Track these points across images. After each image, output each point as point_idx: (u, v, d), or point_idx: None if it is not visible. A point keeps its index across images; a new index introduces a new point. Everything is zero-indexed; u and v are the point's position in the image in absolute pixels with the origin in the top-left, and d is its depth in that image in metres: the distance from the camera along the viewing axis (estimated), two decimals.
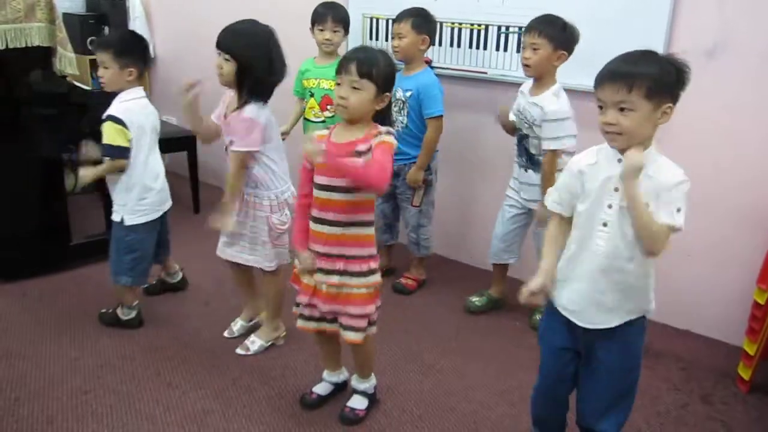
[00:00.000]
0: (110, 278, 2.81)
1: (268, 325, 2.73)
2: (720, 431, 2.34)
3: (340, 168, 1.94)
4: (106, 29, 4.31)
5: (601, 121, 1.66)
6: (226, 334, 2.81)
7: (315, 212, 2.10)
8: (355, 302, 2.09)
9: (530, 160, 2.79)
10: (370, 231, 2.10)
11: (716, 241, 2.82)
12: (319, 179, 2.07)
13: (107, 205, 3.48)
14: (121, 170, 2.64)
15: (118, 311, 2.87)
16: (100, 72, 2.65)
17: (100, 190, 3.60)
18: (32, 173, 3.13)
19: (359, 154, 1.98)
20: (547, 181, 2.61)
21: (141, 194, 2.70)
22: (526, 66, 2.68)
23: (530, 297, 1.79)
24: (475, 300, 3.12)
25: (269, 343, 2.72)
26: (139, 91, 2.71)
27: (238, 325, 2.83)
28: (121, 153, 2.60)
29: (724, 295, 2.85)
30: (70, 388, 2.44)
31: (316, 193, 2.09)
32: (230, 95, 2.52)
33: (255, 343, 2.70)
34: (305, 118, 3.40)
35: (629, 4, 2.76)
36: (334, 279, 2.09)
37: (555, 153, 2.65)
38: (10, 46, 2.92)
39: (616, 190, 1.70)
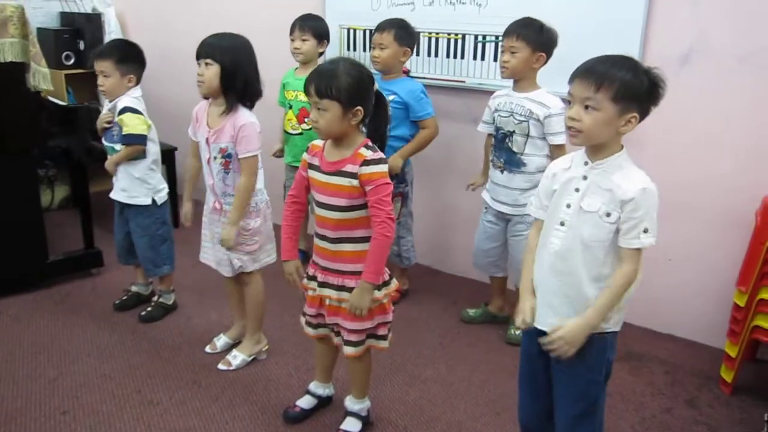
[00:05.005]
0: (149, 273, 3.04)
1: (249, 338, 2.70)
2: None
3: (378, 271, 2.01)
4: (81, 44, 4.26)
5: (566, 115, 1.67)
6: (208, 349, 2.78)
7: (315, 227, 2.10)
8: (351, 317, 2.06)
9: (510, 161, 2.75)
10: (362, 247, 2.03)
11: (696, 245, 2.84)
12: (317, 196, 2.06)
13: (85, 219, 3.46)
14: (137, 157, 2.82)
15: (162, 300, 3.06)
16: (100, 81, 2.77)
17: (78, 204, 3.56)
18: (8, 188, 3.07)
19: (348, 174, 1.96)
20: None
21: (157, 176, 2.92)
22: (504, 68, 2.68)
23: (530, 321, 1.80)
24: (471, 311, 3.11)
25: (251, 358, 2.69)
26: (138, 91, 2.84)
27: (221, 341, 2.80)
28: (142, 140, 2.79)
29: (705, 299, 2.86)
30: (48, 408, 2.38)
31: (315, 209, 2.08)
32: (203, 107, 2.51)
33: (237, 357, 2.67)
34: (284, 130, 3.39)
35: (603, 13, 2.79)
36: (333, 294, 2.08)
37: (562, 148, 2.63)
38: None
39: (577, 190, 1.70)
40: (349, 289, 2.05)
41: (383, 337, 2.16)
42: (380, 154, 1.99)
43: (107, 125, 2.83)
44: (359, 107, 1.93)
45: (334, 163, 1.99)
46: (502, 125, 2.76)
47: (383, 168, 1.97)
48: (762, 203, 2.52)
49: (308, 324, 2.22)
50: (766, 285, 2.38)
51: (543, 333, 1.78)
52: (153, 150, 2.87)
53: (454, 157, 3.42)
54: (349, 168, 1.96)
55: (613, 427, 2.33)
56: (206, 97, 2.49)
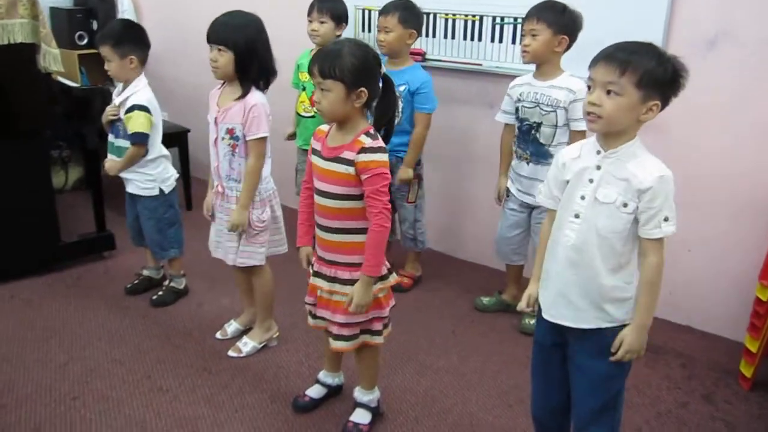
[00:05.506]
0: (158, 256, 3.05)
1: (260, 326, 2.68)
2: (723, 430, 2.29)
3: (377, 264, 1.96)
4: (95, 23, 4.23)
5: (586, 101, 1.63)
6: (218, 335, 2.76)
7: (315, 216, 2.06)
8: (341, 310, 2.02)
9: (537, 152, 2.67)
10: (359, 238, 1.98)
11: (718, 236, 2.76)
12: (316, 183, 2.02)
13: (97, 201, 3.46)
14: (143, 155, 2.80)
15: (173, 285, 3.05)
16: (106, 66, 2.76)
17: (90, 187, 3.55)
18: (19, 171, 3.06)
19: (345, 161, 1.92)
20: None
21: (164, 164, 2.90)
22: (525, 52, 2.59)
23: (526, 308, 1.82)
24: (485, 299, 3.07)
25: (262, 345, 2.67)
26: (144, 78, 2.82)
27: (232, 327, 2.78)
28: (146, 139, 2.78)
29: (724, 291, 2.79)
30: (59, 394, 2.38)
31: (314, 197, 2.04)
32: (218, 91, 2.46)
33: (247, 344, 2.65)
34: (297, 112, 3.34)
35: None
36: (325, 285, 2.05)
37: (584, 134, 2.53)
38: None
39: (591, 181, 1.66)
40: (342, 281, 2.01)
41: (378, 332, 2.11)
42: (380, 143, 1.93)
43: (113, 117, 2.81)
44: (363, 89, 1.88)
45: (333, 149, 1.95)
46: (527, 116, 2.66)
47: (381, 157, 1.90)
48: None
49: (309, 313, 2.19)
50: None
51: (556, 327, 1.76)
52: (156, 143, 2.86)
53: (469, 142, 3.36)
54: (347, 154, 1.91)
55: (628, 421, 2.28)
56: (224, 82, 2.45)
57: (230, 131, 2.40)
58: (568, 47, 2.56)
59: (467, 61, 3.20)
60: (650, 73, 1.56)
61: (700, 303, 2.88)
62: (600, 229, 1.65)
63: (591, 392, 1.77)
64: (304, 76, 3.26)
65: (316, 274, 2.09)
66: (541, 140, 2.65)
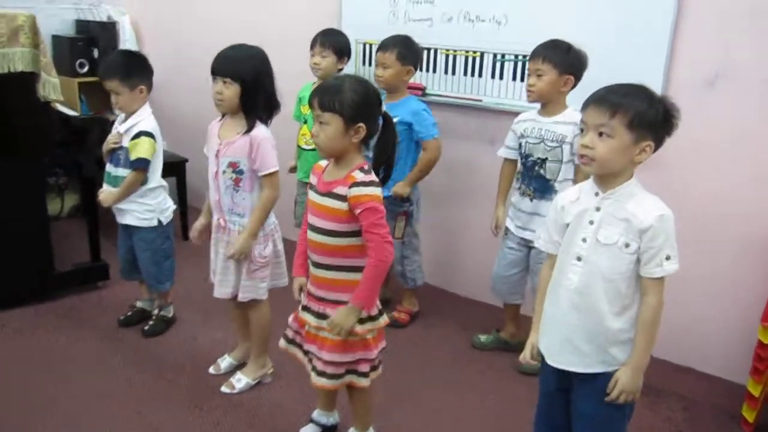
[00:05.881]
0: (152, 288, 3.01)
1: (254, 362, 2.63)
2: None
3: (368, 298, 1.93)
4: (95, 51, 4.23)
5: (578, 143, 1.65)
6: (212, 370, 2.71)
7: (308, 252, 2.03)
8: (327, 348, 1.99)
9: (541, 188, 2.64)
10: (354, 277, 1.95)
11: (719, 276, 2.74)
12: (310, 218, 2.00)
13: (92, 231, 3.42)
14: (143, 183, 2.79)
15: (163, 313, 3.03)
16: (113, 99, 2.75)
17: (86, 215, 3.52)
18: (15, 196, 3.03)
19: (338, 197, 1.90)
20: None
21: (163, 194, 2.89)
22: (530, 92, 2.58)
23: (530, 359, 1.82)
24: (482, 337, 3.02)
25: (256, 381, 2.62)
26: (149, 107, 2.82)
27: (226, 362, 2.73)
28: (147, 165, 2.76)
29: (727, 332, 2.76)
30: (45, 430, 2.32)
31: (308, 233, 2.01)
32: (218, 124, 2.45)
33: (241, 381, 2.59)
34: (298, 145, 3.33)
35: (628, 34, 2.70)
36: (312, 320, 2.02)
37: None
38: None
39: (591, 223, 1.66)
40: (328, 318, 1.98)
41: (364, 374, 2.06)
42: (372, 177, 1.91)
43: (114, 146, 2.79)
44: (362, 124, 1.88)
45: (328, 184, 1.94)
46: (531, 152, 2.65)
47: (373, 191, 1.88)
48: None
49: (285, 336, 2.15)
50: None
51: (561, 372, 1.74)
52: (157, 173, 2.83)
53: (468, 177, 3.34)
54: (339, 189, 1.90)
55: None
56: (224, 114, 2.43)
57: (233, 165, 2.36)
58: (574, 86, 2.55)
59: (467, 96, 3.21)
60: (641, 115, 1.57)
61: (701, 344, 2.84)
62: (604, 271, 1.64)
63: None
64: (306, 109, 3.26)
65: (305, 309, 2.06)
66: (547, 176, 2.63)
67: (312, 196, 1.99)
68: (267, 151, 2.34)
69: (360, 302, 1.92)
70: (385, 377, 2.59)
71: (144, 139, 2.72)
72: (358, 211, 1.87)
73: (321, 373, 2.02)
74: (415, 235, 3.17)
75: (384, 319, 2.05)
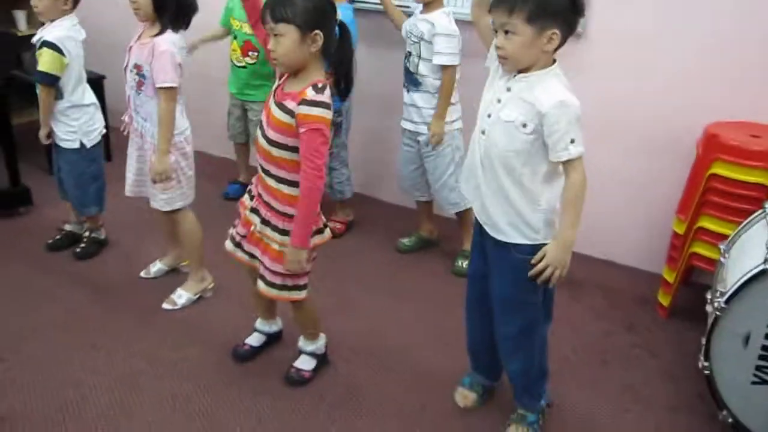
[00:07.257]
0: (78, 211, 2.94)
1: (193, 276, 2.64)
2: (644, 357, 2.45)
3: (303, 234, 1.93)
4: None
5: (495, 43, 1.69)
6: (142, 274, 2.76)
7: (257, 156, 2.01)
8: (269, 255, 2.01)
9: (410, 81, 2.80)
10: (295, 192, 1.94)
11: (635, 172, 2.89)
12: (262, 124, 1.96)
13: (9, 154, 3.25)
14: (55, 97, 2.64)
15: (94, 236, 2.96)
16: (33, 2, 2.58)
17: (1, 142, 3.32)
18: None
19: (286, 110, 1.86)
20: (444, 100, 2.70)
21: (86, 116, 2.73)
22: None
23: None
24: (405, 240, 3.13)
25: (197, 296, 2.64)
26: (74, 19, 2.66)
27: (156, 267, 2.78)
28: (54, 80, 2.60)
29: (643, 225, 2.94)
30: None
31: (258, 138, 1.98)
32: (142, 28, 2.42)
33: (182, 297, 2.61)
34: (231, 60, 3.25)
35: None
36: (258, 224, 2.03)
37: (447, 70, 2.67)
38: None
39: (499, 101, 1.73)
40: (272, 227, 1.99)
41: (299, 288, 2.07)
42: (323, 98, 1.84)
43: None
44: (318, 31, 1.81)
45: (284, 94, 1.89)
46: (407, 47, 2.79)
47: (322, 112, 1.83)
48: (703, 132, 2.56)
49: (232, 239, 2.14)
50: (705, 213, 2.45)
51: (483, 253, 1.90)
52: (76, 91, 2.69)
53: (388, 84, 3.28)
54: (289, 104, 1.86)
55: (554, 350, 2.36)
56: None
57: (138, 67, 2.37)
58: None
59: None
60: (538, 5, 1.59)
61: (619, 237, 3.02)
62: (499, 146, 1.71)
63: (505, 319, 1.89)
64: (236, 24, 3.16)
65: (253, 211, 2.05)
66: (411, 69, 2.78)
67: (269, 101, 1.94)
68: (165, 64, 2.31)
69: (298, 243, 1.93)
70: (326, 286, 2.68)
71: (45, 50, 2.56)
72: (302, 130, 1.83)
73: (270, 284, 2.04)
74: (344, 147, 3.18)
75: (328, 233, 2.09)
